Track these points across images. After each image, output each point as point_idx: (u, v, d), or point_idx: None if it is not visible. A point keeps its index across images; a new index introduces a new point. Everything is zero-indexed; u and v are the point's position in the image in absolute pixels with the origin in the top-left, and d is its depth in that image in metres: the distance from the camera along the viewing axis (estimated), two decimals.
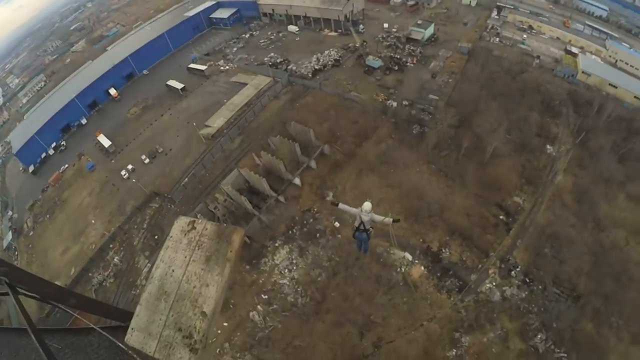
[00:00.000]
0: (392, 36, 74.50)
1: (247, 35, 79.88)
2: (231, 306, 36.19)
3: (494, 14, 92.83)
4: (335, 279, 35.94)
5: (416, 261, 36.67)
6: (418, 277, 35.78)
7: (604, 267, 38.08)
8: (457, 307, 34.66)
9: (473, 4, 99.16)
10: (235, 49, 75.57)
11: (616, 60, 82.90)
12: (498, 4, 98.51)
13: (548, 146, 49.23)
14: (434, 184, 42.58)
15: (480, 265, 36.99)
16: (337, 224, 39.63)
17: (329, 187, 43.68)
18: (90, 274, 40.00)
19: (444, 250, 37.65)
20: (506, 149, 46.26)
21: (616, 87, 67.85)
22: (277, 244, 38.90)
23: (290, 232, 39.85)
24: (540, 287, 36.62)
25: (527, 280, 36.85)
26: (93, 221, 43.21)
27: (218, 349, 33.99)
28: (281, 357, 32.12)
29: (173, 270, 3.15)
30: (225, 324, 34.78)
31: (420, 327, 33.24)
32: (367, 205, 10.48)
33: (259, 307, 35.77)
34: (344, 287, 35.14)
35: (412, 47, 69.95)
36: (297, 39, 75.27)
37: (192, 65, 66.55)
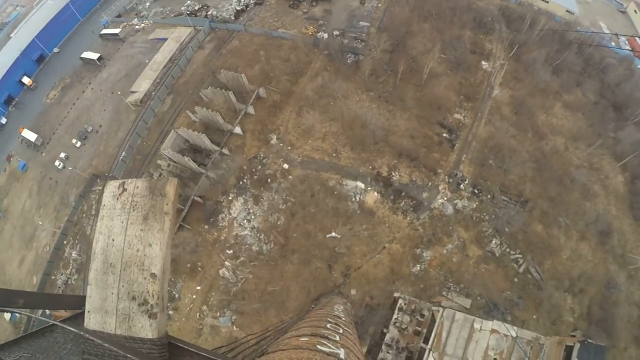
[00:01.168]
0: None
1: None
2: (200, 269, 45.48)
3: None
4: (295, 220, 45.82)
5: (369, 188, 47.97)
6: (373, 203, 47.62)
7: (546, 172, 54.42)
8: (415, 226, 46.79)
9: None
10: (148, 3, 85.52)
11: None
12: None
13: (483, 62, 65.45)
14: (375, 110, 53.97)
15: (430, 183, 49.90)
16: (285, 166, 49.08)
17: (272, 130, 52.90)
18: (53, 277, 49.47)
19: (393, 174, 49.21)
20: (442, 69, 60.14)
21: (547, 2, 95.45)
22: (230, 198, 48.67)
23: (241, 182, 49.42)
24: (489, 196, 50.86)
25: (476, 191, 50.87)
26: (40, 222, 52.44)
27: (198, 313, 43.14)
28: (259, 306, 42.72)
29: (113, 240, 3.84)
30: (198, 287, 44.46)
31: (383, 250, 44.75)
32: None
33: (226, 263, 45.57)
34: (304, 225, 45.08)
35: None
36: None
37: (105, 31, 75.85)
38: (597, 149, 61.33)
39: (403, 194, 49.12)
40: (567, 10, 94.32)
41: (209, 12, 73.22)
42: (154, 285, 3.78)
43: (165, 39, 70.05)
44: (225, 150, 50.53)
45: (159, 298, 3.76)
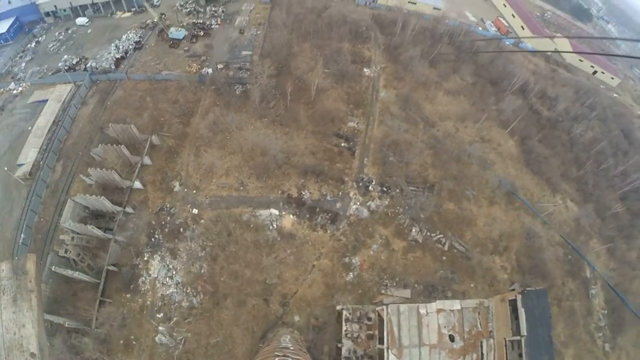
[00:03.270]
0: (190, 1, 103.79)
1: (33, 44, 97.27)
2: (134, 342, 49.96)
3: None
4: (218, 263, 54.25)
5: (283, 213, 59.59)
6: (291, 226, 58.83)
7: (444, 154, 73.78)
8: (337, 237, 59.67)
9: None
10: (23, 64, 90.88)
11: None
12: None
13: (365, 69, 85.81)
14: (272, 135, 67.28)
15: (340, 193, 63.85)
16: (195, 211, 58.26)
17: (173, 177, 62.12)
18: None
19: (304, 193, 62.24)
20: (328, 83, 78.23)
21: (415, 3, 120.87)
22: (146, 258, 54.43)
23: (153, 239, 55.93)
24: (397, 190, 67.13)
25: (385, 189, 66.59)
26: None
27: None
28: None
29: None
30: None
31: (313, 269, 56.08)
32: None
33: (160, 328, 50.79)
34: (229, 266, 53.80)
35: (213, 8, 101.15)
36: (89, 31, 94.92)
37: None
38: (484, 122, 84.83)
39: (317, 209, 62.53)
40: (434, 8, 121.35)
41: (88, 65, 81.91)
42: None
43: (46, 100, 75.28)
44: (129, 209, 57.60)
45: None
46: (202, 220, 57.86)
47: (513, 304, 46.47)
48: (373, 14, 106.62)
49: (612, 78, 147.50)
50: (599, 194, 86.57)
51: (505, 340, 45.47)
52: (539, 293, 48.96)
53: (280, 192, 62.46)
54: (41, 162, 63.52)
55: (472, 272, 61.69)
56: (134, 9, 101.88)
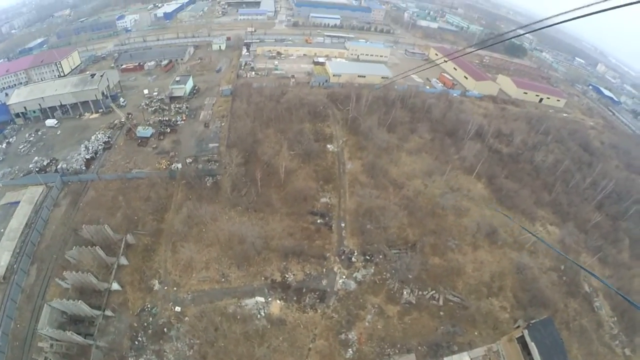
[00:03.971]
0: (155, 100, 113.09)
1: (4, 145, 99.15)
2: None
3: (244, 51, 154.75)
4: None
5: (270, 299, 59.65)
6: (280, 312, 58.51)
7: (418, 212, 77.15)
8: (328, 315, 59.33)
9: (223, 47, 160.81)
10: None
11: (358, 55, 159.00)
12: (245, 41, 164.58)
13: (328, 145, 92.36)
14: (248, 223, 69.37)
15: (324, 270, 64.92)
16: (178, 309, 57.20)
17: (152, 276, 61.76)
18: None
19: (287, 275, 63.04)
20: (295, 163, 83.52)
21: (364, 76, 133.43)
22: None
23: (136, 342, 53.90)
24: (380, 257, 68.66)
25: (368, 257, 68.14)
26: None
27: None
28: None
29: None
30: None
31: (310, 352, 54.73)
32: None
33: None
34: None
35: (177, 105, 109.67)
36: (59, 132, 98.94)
37: None
38: (450, 173, 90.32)
39: (304, 290, 63.14)
40: (382, 77, 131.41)
41: (58, 166, 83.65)
42: None
43: (18, 202, 75.32)
44: (108, 312, 56.25)
45: None
46: (187, 318, 57.01)
47: (522, 340, 45.90)
48: (328, 93, 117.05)
49: (558, 100, 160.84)
50: (576, 210, 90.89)
51: None
52: (545, 322, 48.54)
53: (263, 278, 63.05)
54: (15, 266, 62.37)
55: (472, 320, 61.50)
56: (102, 110, 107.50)
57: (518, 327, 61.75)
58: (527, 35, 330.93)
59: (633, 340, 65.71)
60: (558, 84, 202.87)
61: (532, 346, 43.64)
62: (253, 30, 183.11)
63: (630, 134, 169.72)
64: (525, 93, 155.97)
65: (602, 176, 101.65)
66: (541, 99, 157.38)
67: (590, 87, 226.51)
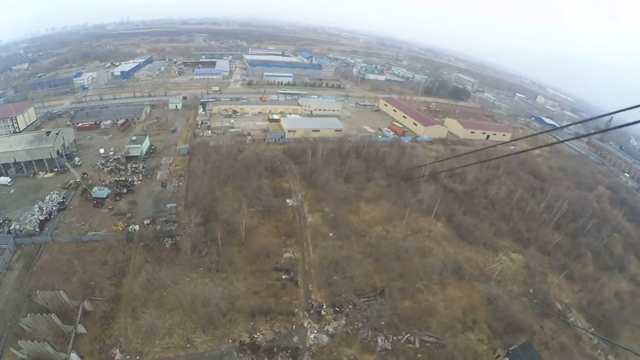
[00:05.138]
0: (111, 160, 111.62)
1: None
2: None
3: (200, 110, 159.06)
4: None
5: None
6: None
7: (383, 258, 78.67)
8: None
9: (179, 107, 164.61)
10: None
11: (311, 111, 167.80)
12: (201, 100, 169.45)
13: (287, 200, 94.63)
14: (210, 284, 67.74)
15: (294, 326, 63.63)
16: None
17: (112, 345, 57.74)
18: None
19: (256, 336, 61.10)
20: (256, 220, 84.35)
21: (318, 130, 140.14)
22: None
23: None
24: (350, 307, 68.59)
25: (338, 309, 67.84)
26: None
27: None
28: None
29: None
30: None
31: None
32: None
33: None
34: None
35: (134, 165, 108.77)
36: (12, 191, 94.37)
37: None
38: (410, 216, 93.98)
39: (275, 349, 61.13)
40: (335, 130, 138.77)
41: (11, 227, 79.23)
42: None
43: None
44: None
45: None
46: None
47: None
48: (284, 149, 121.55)
49: (504, 135, 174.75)
50: (535, 235, 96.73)
51: None
52: (524, 347, 49.63)
53: (231, 341, 60.70)
54: None
55: (452, 357, 61.49)
56: (56, 169, 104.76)
57: (498, 356, 62.68)
58: (468, 78, 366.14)
59: (614, 346, 68.51)
60: (502, 119, 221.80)
61: None
62: (217, 89, 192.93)
63: (575, 155, 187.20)
64: (473, 132, 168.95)
65: (555, 198, 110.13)
66: (488, 136, 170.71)
67: (533, 118, 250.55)
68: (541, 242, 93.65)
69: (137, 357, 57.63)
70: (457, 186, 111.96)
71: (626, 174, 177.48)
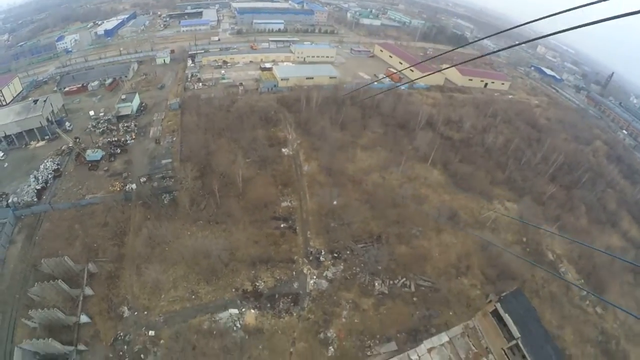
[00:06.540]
0: (102, 121, 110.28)
1: None
2: None
3: (190, 63, 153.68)
4: None
5: (243, 310, 60.27)
6: (255, 321, 59.31)
7: (379, 204, 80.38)
8: (304, 316, 60.74)
9: (167, 61, 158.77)
10: None
11: (304, 58, 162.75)
12: (190, 53, 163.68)
13: (283, 149, 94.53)
14: (211, 236, 69.92)
15: (294, 273, 66.53)
16: (151, 333, 56.52)
17: (120, 303, 60.60)
18: None
19: (258, 284, 64.00)
20: (252, 171, 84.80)
21: (312, 78, 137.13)
22: None
23: None
24: (348, 252, 71.26)
25: (336, 255, 70.44)
26: None
27: None
28: None
29: None
30: None
31: (292, 356, 55.88)
32: None
33: None
34: None
35: (126, 124, 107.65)
36: (6, 165, 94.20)
37: None
38: (406, 164, 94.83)
39: (277, 296, 64.22)
40: (330, 77, 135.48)
41: (9, 200, 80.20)
42: None
43: None
44: (81, 346, 54.80)
45: None
46: (162, 341, 56.46)
47: (496, 313, 49.06)
48: (277, 98, 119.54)
49: (503, 83, 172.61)
50: (530, 185, 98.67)
51: (504, 350, 47.51)
52: (515, 293, 52.05)
53: (234, 290, 63.53)
54: None
55: (446, 301, 65.17)
56: (48, 137, 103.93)
57: (490, 301, 65.84)
58: (467, 24, 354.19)
59: (602, 299, 72.26)
60: (501, 68, 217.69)
61: (507, 317, 47.16)
62: (217, 39, 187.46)
63: (574, 108, 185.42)
64: (471, 80, 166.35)
65: (552, 150, 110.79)
66: (486, 84, 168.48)
67: (532, 68, 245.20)
68: (536, 193, 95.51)
69: (145, 313, 60.14)
70: (453, 134, 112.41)
71: (624, 131, 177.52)
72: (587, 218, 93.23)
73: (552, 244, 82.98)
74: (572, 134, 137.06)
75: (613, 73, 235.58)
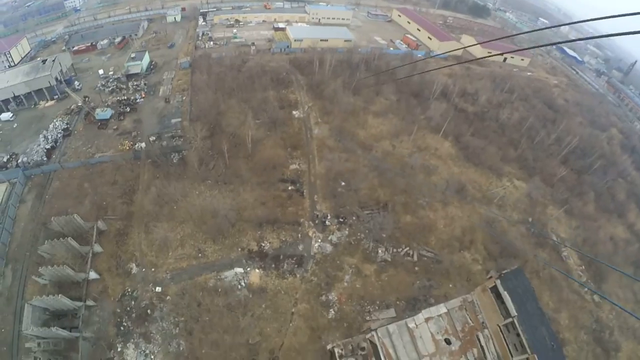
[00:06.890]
0: (111, 80, 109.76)
1: None
2: None
3: (201, 21, 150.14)
4: (195, 337, 54.22)
5: (248, 269, 61.69)
6: (260, 280, 60.88)
7: (388, 172, 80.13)
8: (307, 278, 62.08)
9: (178, 19, 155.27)
10: None
11: (319, 19, 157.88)
12: (201, 11, 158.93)
13: (294, 112, 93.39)
14: (219, 196, 70.46)
15: (299, 235, 67.25)
16: (158, 289, 58.40)
17: (128, 260, 62.33)
18: None
19: (264, 244, 64.95)
20: (262, 132, 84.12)
21: (327, 40, 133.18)
22: (119, 349, 53.35)
23: (122, 327, 55.10)
24: (354, 218, 71.46)
25: (342, 220, 70.80)
26: None
27: None
28: None
29: None
30: None
31: (293, 316, 57.57)
32: None
33: None
34: (208, 337, 53.77)
35: (135, 83, 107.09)
36: (15, 125, 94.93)
37: None
38: (417, 133, 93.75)
39: (281, 257, 65.22)
40: (345, 40, 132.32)
41: (19, 160, 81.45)
42: None
43: None
44: (90, 302, 57.00)
45: None
46: (168, 297, 58.38)
47: (495, 290, 49.38)
48: (290, 59, 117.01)
49: (522, 59, 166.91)
50: (541, 165, 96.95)
51: (500, 326, 48.34)
52: (516, 272, 52.15)
53: (240, 249, 64.68)
54: None
55: (447, 273, 65.87)
56: (57, 96, 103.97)
57: (490, 277, 66.20)
58: None
59: (600, 287, 72.52)
60: (522, 43, 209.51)
61: (505, 295, 47.35)
62: None
63: (593, 92, 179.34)
64: (490, 53, 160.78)
65: (566, 132, 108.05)
66: (505, 58, 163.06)
67: (554, 46, 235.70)
68: (546, 174, 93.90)
69: (153, 269, 61.72)
70: (468, 107, 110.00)
71: None
72: (595, 205, 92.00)
73: (558, 227, 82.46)
74: (588, 118, 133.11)
75: (636, 61, 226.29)
